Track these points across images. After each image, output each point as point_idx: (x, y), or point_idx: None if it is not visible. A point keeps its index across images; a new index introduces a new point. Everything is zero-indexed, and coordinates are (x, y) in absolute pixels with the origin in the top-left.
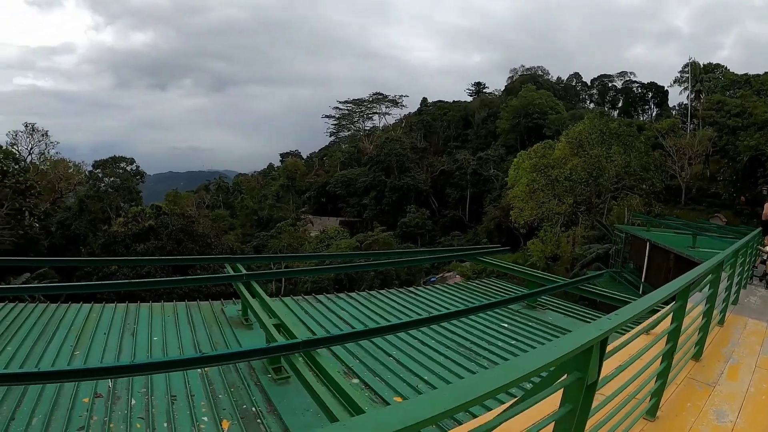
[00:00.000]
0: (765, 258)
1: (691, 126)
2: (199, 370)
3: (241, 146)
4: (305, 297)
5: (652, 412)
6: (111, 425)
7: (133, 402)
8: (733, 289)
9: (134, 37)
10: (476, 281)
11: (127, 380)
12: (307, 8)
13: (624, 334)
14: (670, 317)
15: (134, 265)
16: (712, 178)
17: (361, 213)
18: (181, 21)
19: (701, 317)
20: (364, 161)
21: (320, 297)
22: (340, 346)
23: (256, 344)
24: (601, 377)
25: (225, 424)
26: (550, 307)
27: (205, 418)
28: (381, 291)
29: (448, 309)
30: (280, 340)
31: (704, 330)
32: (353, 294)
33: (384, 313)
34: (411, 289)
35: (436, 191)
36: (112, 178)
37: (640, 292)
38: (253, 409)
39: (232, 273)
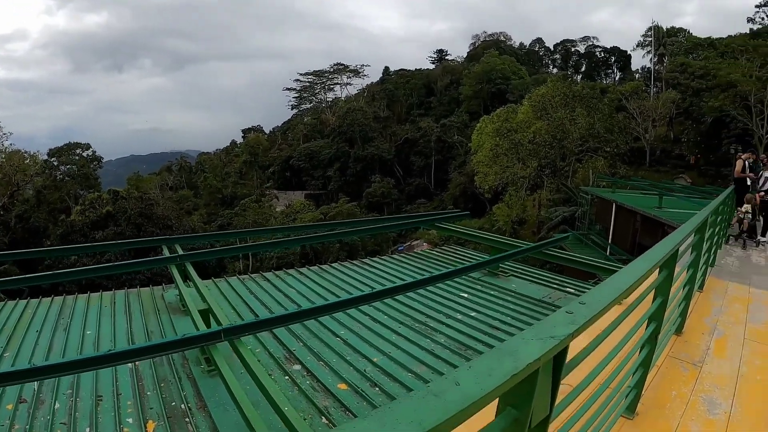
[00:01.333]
0: (743, 217)
1: (655, 89)
2: (129, 365)
3: (203, 125)
4: (252, 276)
5: (631, 409)
6: None
7: (57, 405)
8: (711, 250)
9: (88, 18)
10: (437, 249)
11: (53, 382)
12: None
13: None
14: (650, 291)
15: (92, 252)
16: (676, 139)
17: (326, 185)
18: None
19: (684, 286)
20: (326, 133)
21: (267, 275)
22: (284, 328)
23: (179, 335)
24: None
25: (150, 426)
26: (514, 274)
27: (130, 420)
28: (333, 264)
29: (404, 281)
30: (202, 328)
31: (687, 299)
32: (303, 270)
33: (335, 288)
34: (366, 260)
35: (400, 160)
36: (68, 166)
37: (608, 253)
38: (183, 406)
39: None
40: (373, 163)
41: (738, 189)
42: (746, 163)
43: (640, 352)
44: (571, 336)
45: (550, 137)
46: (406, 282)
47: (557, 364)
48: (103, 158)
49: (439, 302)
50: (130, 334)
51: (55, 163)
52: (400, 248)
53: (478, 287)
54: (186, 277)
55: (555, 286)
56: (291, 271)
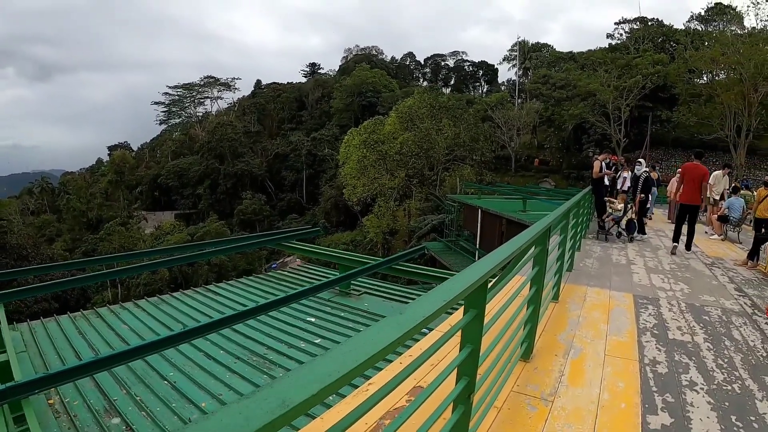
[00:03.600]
0: (613, 215)
1: (519, 100)
2: None
3: (69, 141)
4: (84, 313)
5: None
6: None
7: None
8: (567, 255)
9: None
10: (290, 269)
11: None
12: None
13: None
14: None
15: None
16: (540, 146)
17: (197, 204)
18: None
19: (525, 306)
20: (196, 149)
21: (101, 310)
22: (108, 374)
23: None
24: None
25: None
26: (368, 291)
27: None
28: (175, 294)
29: (252, 305)
30: None
31: (532, 320)
32: (141, 302)
33: (171, 321)
34: (210, 287)
35: (272, 175)
36: None
37: (476, 258)
38: None
39: None
40: (244, 179)
41: (596, 189)
42: (603, 164)
43: (452, 412)
44: None
45: (417, 147)
46: (243, 309)
47: None
48: None
49: (283, 329)
50: None
51: None
52: (273, 266)
53: (328, 309)
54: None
55: (411, 301)
56: (127, 304)
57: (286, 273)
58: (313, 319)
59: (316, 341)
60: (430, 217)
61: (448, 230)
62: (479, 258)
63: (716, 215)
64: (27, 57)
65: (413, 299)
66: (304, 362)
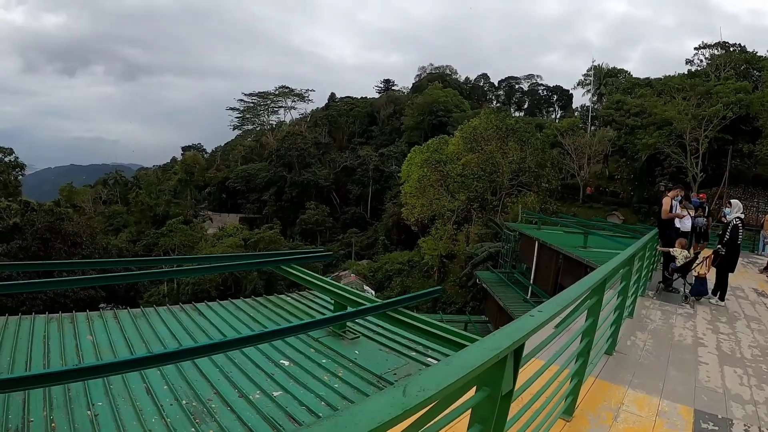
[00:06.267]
0: (678, 265)
1: (593, 127)
2: None
3: (148, 139)
4: (63, 315)
5: None
6: None
7: None
8: (607, 333)
9: (46, 18)
10: (293, 294)
11: None
12: None
13: None
14: None
15: None
16: (610, 176)
17: (261, 209)
18: (97, 2)
19: None
20: (265, 156)
21: (78, 315)
22: (42, 389)
23: None
24: None
25: None
26: (366, 334)
27: None
28: (159, 309)
29: (231, 336)
30: None
31: None
32: (122, 313)
33: (137, 340)
34: (199, 305)
35: (338, 187)
36: None
37: (528, 295)
38: None
39: None
40: (310, 189)
41: (664, 232)
42: (674, 201)
43: None
44: None
45: (480, 170)
46: (211, 342)
47: None
48: (26, 165)
49: (246, 371)
50: None
51: None
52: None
53: (311, 351)
54: None
55: (415, 353)
56: (106, 314)
57: (291, 299)
58: (286, 363)
59: (275, 394)
60: (487, 244)
61: (503, 260)
62: (531, 294)
63: None
64: (117, 57)
65: (419, 350)
66: (247, 421)
